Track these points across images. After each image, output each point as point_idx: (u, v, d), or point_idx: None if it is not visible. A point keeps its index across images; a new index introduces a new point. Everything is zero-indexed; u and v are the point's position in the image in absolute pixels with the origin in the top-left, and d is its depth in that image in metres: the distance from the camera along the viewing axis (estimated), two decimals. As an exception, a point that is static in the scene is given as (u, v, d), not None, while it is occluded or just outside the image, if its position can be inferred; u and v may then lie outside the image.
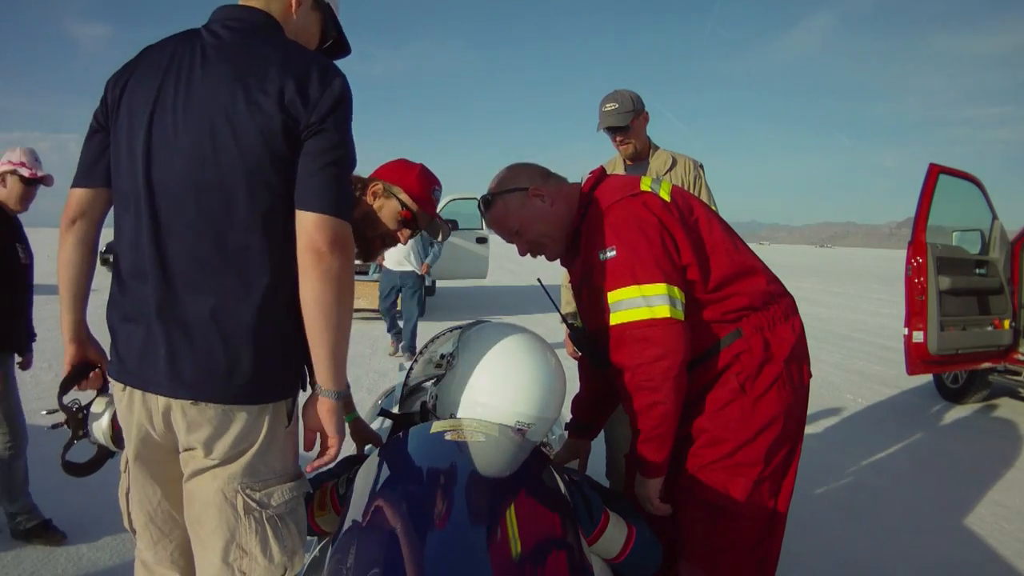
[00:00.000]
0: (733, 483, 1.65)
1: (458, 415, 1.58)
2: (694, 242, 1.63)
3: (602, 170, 1.83)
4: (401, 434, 1.51)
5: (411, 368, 2.21)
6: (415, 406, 2.03)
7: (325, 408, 1.32)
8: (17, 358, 2.78)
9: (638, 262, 1.56)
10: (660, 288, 1.53)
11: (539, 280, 2.21)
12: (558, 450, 2.09)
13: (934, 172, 4.96)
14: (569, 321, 1.86)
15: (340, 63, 1.43)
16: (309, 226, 1.22)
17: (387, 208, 1.77)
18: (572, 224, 1.76)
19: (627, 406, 1.59)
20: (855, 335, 9.99)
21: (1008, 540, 3.20)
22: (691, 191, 2.94)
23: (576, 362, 1.98)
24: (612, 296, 1.56)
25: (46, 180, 2.79)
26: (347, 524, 1.21)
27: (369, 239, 1.81)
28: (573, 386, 2.19)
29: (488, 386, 1.57)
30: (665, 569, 1.64)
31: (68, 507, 3.00)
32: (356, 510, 1.23)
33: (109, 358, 1.38)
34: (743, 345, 1.66)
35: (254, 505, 1.32)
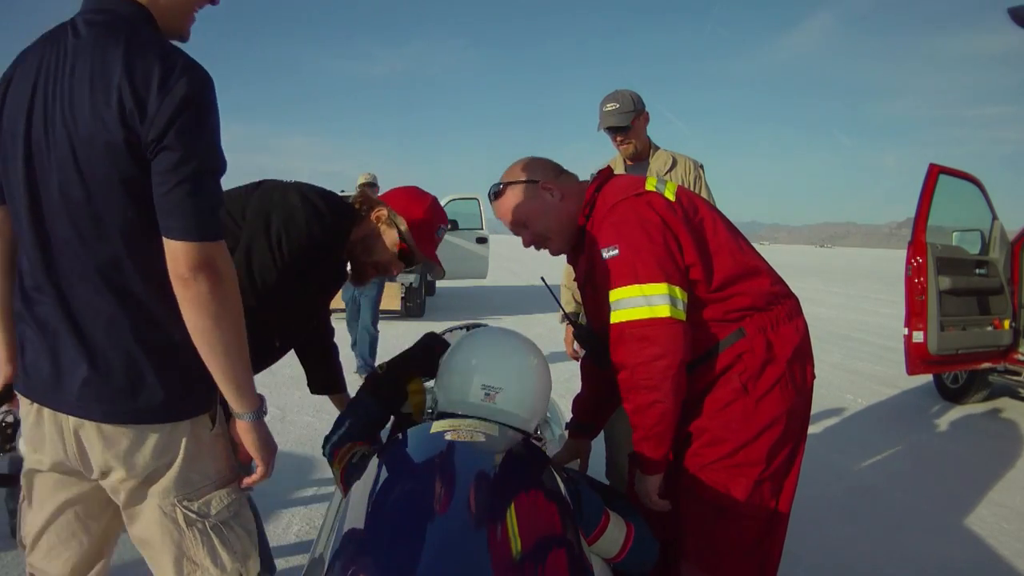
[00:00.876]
0: (735, 483, 1.66)
1: (439, 400, 1.63)
2: (698, 242, 1.64)
3: (609, 170, 1.84)
4: (401, 434, 1.51)
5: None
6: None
7: (243, 430, 1.30)
8: None
9: (639, 261, 1.56)
10: (661, 288, 1.54)
11: (543, 279, 2.22)
12: (559, 450, 2.10)
13: (934, 172, 4.96)
14: (572, 319, 1.86)
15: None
16: (171, 254, 1.14)
17: (387, 237, 1.76)
18: (578, 222, 1.77)
19: (626, 404, 1.60)
20: (855, 335, 9.99)
21: (1008, 540, 3.20)
22: (691, 191, 2.95)
23: (576, 362, 1.99)
24: (613, 295, 1.57)
25: None
26: (347, 524, 1.21)
27: (362, 263, 1.81)
28: (574, 386, 2.19)
29: (455, 359, 1.64)
30: (663, 567, 1.66)
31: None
32: (356, 510, 1.23)
33: (17, 371, 1.31)
34: (745, 345, 1.66)
35: (194, 516, 1.29)
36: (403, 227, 1.75)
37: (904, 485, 3.91)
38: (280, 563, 2.56)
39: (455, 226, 11.06)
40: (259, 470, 1.36)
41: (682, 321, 1.55)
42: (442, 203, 10.49)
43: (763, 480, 1.67)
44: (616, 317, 1.56)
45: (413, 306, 9.76)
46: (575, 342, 3.13)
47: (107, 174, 1.13)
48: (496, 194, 1.81)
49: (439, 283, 13.20)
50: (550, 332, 8.40)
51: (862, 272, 30.39)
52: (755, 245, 1.81)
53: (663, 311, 1.52)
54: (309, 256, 1.65)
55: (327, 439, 1.71)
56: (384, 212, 1.76)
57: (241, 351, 1.22)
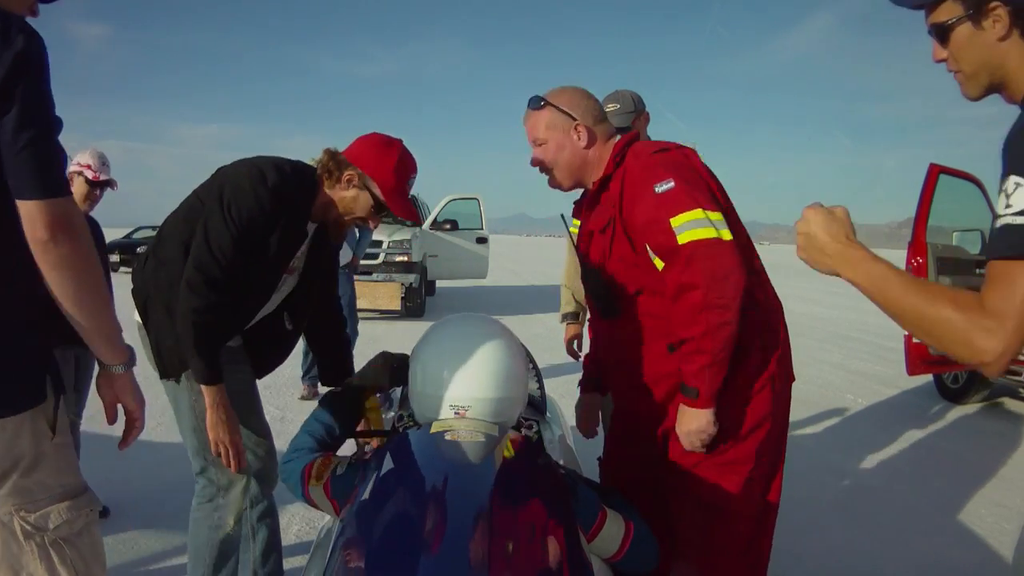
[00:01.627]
0: (726, 481, 1.67)
1: (415, 411, 1.58)
2: (726, 217, 1.65)
3: (636, 133, 1.88)
4: (400, 435, 1.51)
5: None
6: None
7: (118, 381, 1.32)
8: None
9: (697, 191, 1.61)
10: (720, 216, 1.59)
11: (561, 215, 2.29)
12: (575, 407, 2.21)
13: (934, 172, 4.96)
14: (589, 271, 1.82)
15: None
16: (26, 216, 1.11)
17: (361, 199, 1.86)
18: (590, 170, 1.81)
19: (695, 328, 1.56)
20: (855, 335, 9.99)
21: (1008, 540, 3.20)
22: None
23: (576, 362, 1.99)
24: (677, 220, 1.57)
25: (111, 184, 2.91)
26: (348, 524, 1.21)
27: (340, 221, 1.91)
28: (574, 387, 2.19)
29: (419, 377, 1.55)
30: (663, 568, 1.65)
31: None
32: (355, 511, 1.23)
33: None
34: (740, 341, 1.66)
35: (31, 529, 1.22)
36: (375, 189, 1.84)
37: (904, 485, 3.91)
38: (280, 563, 2.55)
39: (455, 226, 11.07)
40: (135, 423, 1.38)
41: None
42: (442, 203, 10.24)
43: (752, 478, 1.68)
44: (685, 238, 1.56)
45: (413, 306, 9.76)
46: (574, 341, 3.13)
47: None
48: (535, 107, 1.83)
49: (439, 283, 13.20)
50: (550, 332, 8.40)
51: (862, 272, 30.31)
52: (756, 245, 1.82)
53: (727, 235, 1.56)
54: (262, 223, 1.76)
55: (285, 462, 1.57)
56: (355, 176, 1.84)
57: (107, 304, 1.23)
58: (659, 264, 1.64)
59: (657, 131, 3.09)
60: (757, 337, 1.67)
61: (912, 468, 4.24)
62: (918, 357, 4.93)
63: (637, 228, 1.65)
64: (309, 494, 1.47)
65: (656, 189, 1.61)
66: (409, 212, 1.90)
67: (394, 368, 1.74)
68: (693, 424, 1.62)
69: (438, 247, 10.92)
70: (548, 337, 7.88)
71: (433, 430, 1.40)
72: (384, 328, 8.89)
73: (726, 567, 1.70)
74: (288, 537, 2.94)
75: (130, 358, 1.33)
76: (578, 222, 2.02)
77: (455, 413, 1.49)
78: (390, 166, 1.84)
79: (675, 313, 1.61)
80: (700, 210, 1.57)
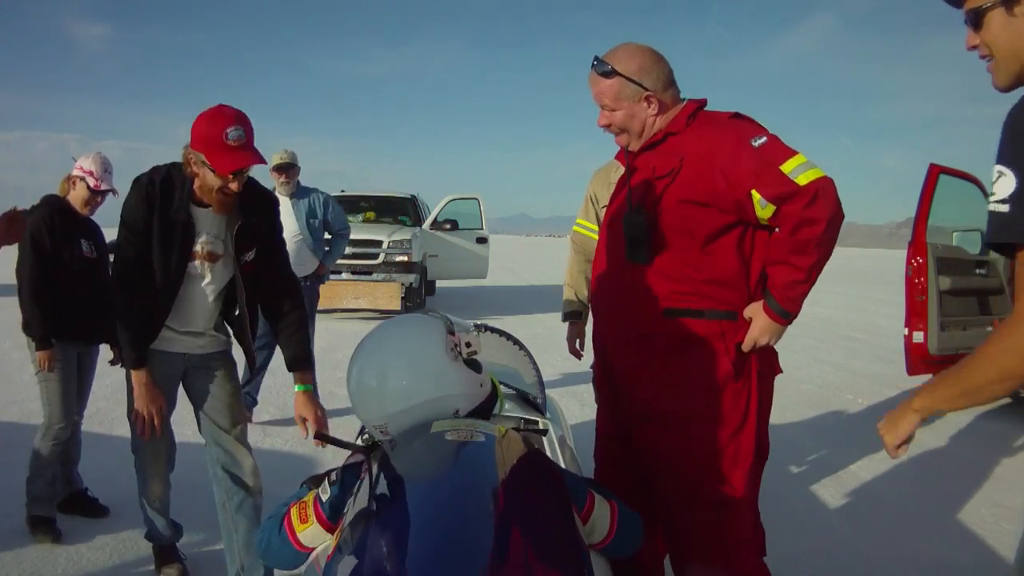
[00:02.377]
0: (733, 475, 1.72)
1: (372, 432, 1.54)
2: None
3: (705, 101, 1.90)
4: (400, 434, 1.51)
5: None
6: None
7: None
8: (108, 353, 3.06)
9: (789, 146, 1.69)
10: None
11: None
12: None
13: (934, 172, 4.96)
14: (635, 212, 1.82)
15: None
16: None
17: (204, 174, 2.05)
18: (665, 127, 1.84)
19: (806, 258, 1.65)
20: (855, 335, 9.99)
21: (1008, 540, 3.20)
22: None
23: (576, 361, 1.98)
24: (787, 166, 1.65)
25: (112, 192, 2.96)
26: (348, 524, 1.21)
27: (215, 197, 2.08)
28: (574, 386, 2.18)
29: (355, 395, 1.54)
30: (649, 549, 1.76)
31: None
32: (357, 510, 1.23)
33: None
34: (737, 326, 1.75)
35: None
36: (203, 157, 2.00)
37: (904, 485, 3.91)
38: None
39: (455, 226, 11.07)
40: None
41: None
42: (442, 203, 10.18)
43: (754, 468, 1.75)
44: (804, 179, 1.63)
45: (413, 306, 9.76)
46: (576, 340, 3.13)
47: None
48: (604, 73, 1.83)
49: (439, 283, 13.20)
50: (550, 332, 8.39)
51: (862, 272, 30.41)
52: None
53: (830, 176, 1.65)
54: (137, 215, 2.08)
55: (259, 543, 1.47)
56: (191, 155, 2.05)
57: None
58: (768, 211, 1.68)
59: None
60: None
61: (912, 468, 4.23)
62: (918, 357, 4.94)
63: (741, 179, 1.68)
64: (300, 544, 1.39)
65: (753, 143, 1.69)
66: (239, 161, 2.01)
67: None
68: (768, 336, 1.72)
69: (438, 247, 10.92)
70: (548, 337, 7.87)
71: (433, 430, 1.40)
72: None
73: (742, 558, 1.76)
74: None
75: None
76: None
77: (381, 432, 1.49)
78: (203, 132, 2.01)
79: (781, 242, 1.68)
80: (801, 155, 1.67)
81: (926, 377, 6.21)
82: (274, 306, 2.31)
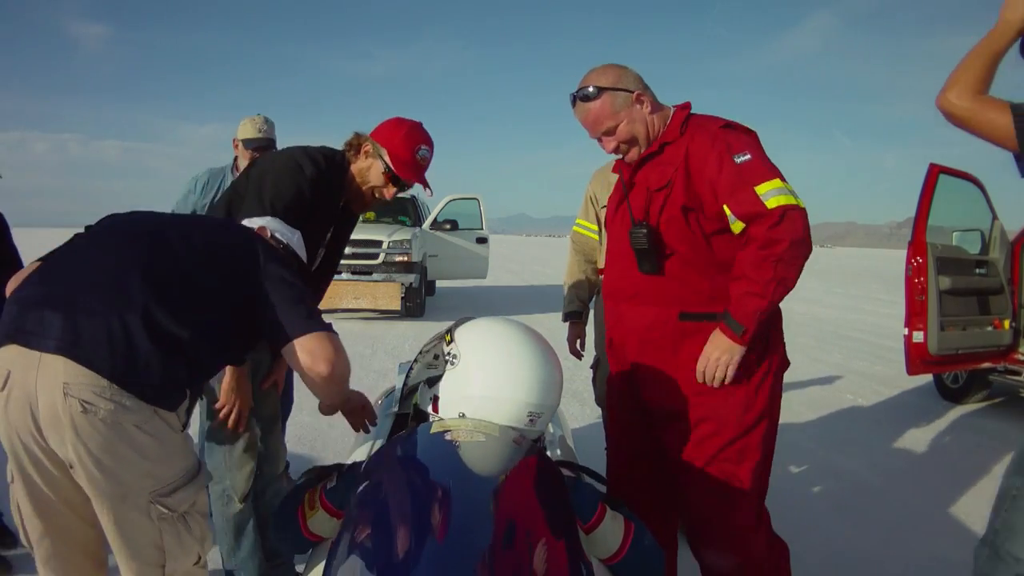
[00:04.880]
0: (740, 469, 1.81)
1: (468, 413, 1.56)
2: None
3: (689, 104, 1.94)
4: (401, 435, 1.51)
5: (411, 368, 2.21)
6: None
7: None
8: None
9: (772, 166, 1.75)
10: (791, 186, 1.73)
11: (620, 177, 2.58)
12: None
13: (934, 172, 4.95)
14: (639, 225, 1.86)
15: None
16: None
17: (374, 167, 2.04)
18: (662, 135, 1.87)
19: (764, 272, 1.68)
20: (855, 335, 9.98)
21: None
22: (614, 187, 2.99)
23: (576, 360, 1.99)
24: (761, 188, 1.70)
25: None
26: (347, 524, 1.21)
27: (363, 192, 2.09)
28: (575, 386, 2.17)
29: (495, 381, 1.57)
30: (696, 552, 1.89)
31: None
32: (356, 510, 1.23)
33: None
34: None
35: (166, 511, 1.41)
36: (385, 156, 2.01)
37: (904, 485, 3.91)
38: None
39: (455, 226, 11.06)
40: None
41: None
42: (442, 203, 10.18)
43: (761, 464, 1.85)
44: (773, 203, 1.68)
45: (413, 306, 9.76)
46: (577, 340, 3.13)
47: None
48: (586, 97, 1.84)
49: (439, 283, 13.20)
50: (550, 332, 8.33)
51: (862, 272, 30.40)
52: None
53: (802, 203, 1.71)
54: (299, 208, 1.91)
55: (276, 525, 1.55)
56: (370, 146, 2.04)
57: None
58: (737, 227, 1.73)
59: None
60: (765, 330, 1.78)
61: (912, 468, 4.24)
62: (918, 357, 4.93)
63: (719, 193, 1.73)
64: (311, 531, 1.45)
65: (736, 160, 1.73)
66: (415, 175, 2.06)
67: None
68: (725, 355, 1.73)
69: (438, 247, 10.91)
70: (548, 337, 7.85)
71: (433, 430, 1.40)
72: (384, 328, 8.89)
73: (749, 542, 1.87)
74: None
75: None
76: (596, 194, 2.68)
77: (530, 420, 1.55)
78: (399, 135, 2.04)
79: (742, 258, 1.72)
80: (779, 179, 1.71)
81: (926, 377, 6.22)
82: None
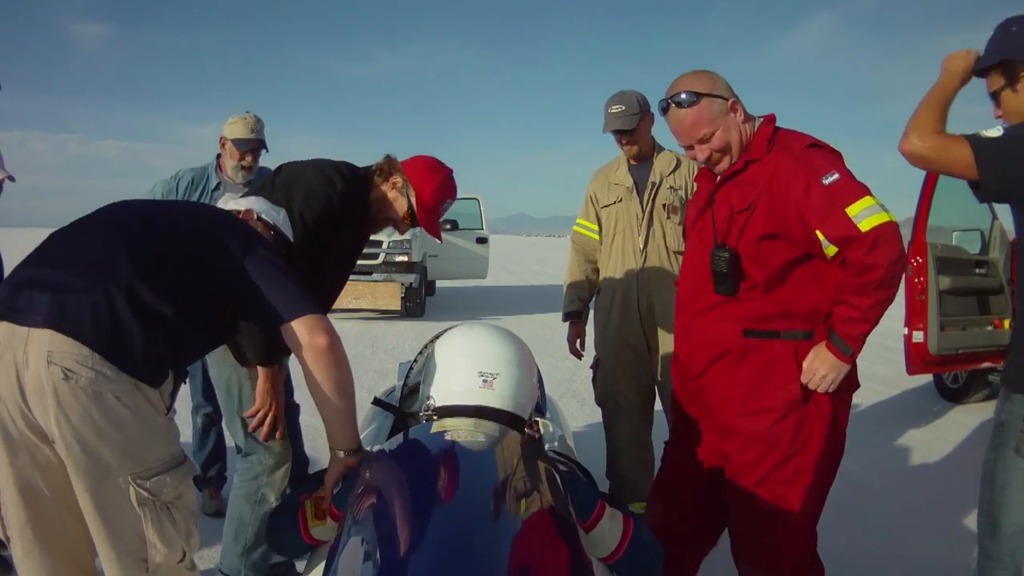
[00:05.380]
0: (791, 490, 1.82)
1: (433, 393, 1.61)
2: None
3: (774, 116, 1.91)
4: (401, 435, 1.51)
5: (411, 367, 2.21)
6: (414, 405, 2.04)
7: (336, 467, 1.50)
8: None
9: (861, 184, 1.73)
10: (880, 201, 1.71)
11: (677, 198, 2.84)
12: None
13: (934, 172, 4.95)
14: (721, 248, 1.86)
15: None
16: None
17: (398, 203, 2.04)
18: (750, 148, 1.84)
19: (865, 299, 1.70)
20: (855, 335, 9.96)
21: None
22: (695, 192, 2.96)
23: (577, 361, 1.98)
24: (852, 209, 1.68)
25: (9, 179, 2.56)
26: (347, 524, 1.21)
27: (377, 218, 2.09)
28: (575, 386, 2.17)
29: (448, 353, 1.66)
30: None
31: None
32: (357, 511, 1.23)
33: None
34: (810, 345, 1.81)
35: (147, 495, 1.39)
36: (412, 199, 2.02)
37: (904, 485, 3.92)
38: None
39: (455, 226, 11.06)
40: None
41: None
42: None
43: (814, 486, 1.86)
44: (866, 225, 1.66)
45: (413, 306, 9.76)
46: (577, 340, 3.14)
47: None
48: (680, 103, 1.81)
49: (439, 283, 13.20)
50: (550, 332, 8.39)
51: (862, 272, 30.28)
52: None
53: (893, 217, 1.70)
54: (329, 223, 1.92)
55: (270, 526, 1.59)
56: (400, 180, 2.03)
57: (354, 395, 1.53)
58: (831, 251, 1.72)
59: (657, 132, 3.09)
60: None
61: (912, 468, 4.24)
62: (918, 357, 4.93)
63: (808, 217, 1.71)
64: (311, 538, 1.46)
65: (824, 181, 1.71)
66: (432, 229, 2.09)
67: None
68: (832, 372, 1.75)
69: (438, 247, 10.91)
70: (548, 337, 7.86)
71: (434, 430, 1.40)
72: (384, 328, 8.89)
73: (791, 562, 1.89)
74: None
75: (357, 448, 1.51)
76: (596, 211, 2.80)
77: (483, 381, 1.55)
78: (432, 184, 2.04)
79: (843, 282, 1.73)
80: (869, 196, 1.69)
81: (926, 377, 6.21)
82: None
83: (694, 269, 1.94)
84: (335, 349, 1.47)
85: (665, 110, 1.85)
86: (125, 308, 1.36)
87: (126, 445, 1.36)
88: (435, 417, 1.56)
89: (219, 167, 3.06)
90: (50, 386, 1.30)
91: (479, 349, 1.63)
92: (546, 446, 1.93)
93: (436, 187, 2.04)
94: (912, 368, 5.01)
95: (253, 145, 2.96)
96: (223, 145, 3.01)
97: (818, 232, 1.70)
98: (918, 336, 4.90)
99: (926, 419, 5.44)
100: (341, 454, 1.50)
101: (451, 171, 2.12)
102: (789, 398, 1.79)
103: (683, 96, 1.79)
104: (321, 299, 1.92)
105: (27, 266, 1.46)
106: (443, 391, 1.59)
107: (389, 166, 2.06)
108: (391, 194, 2.03)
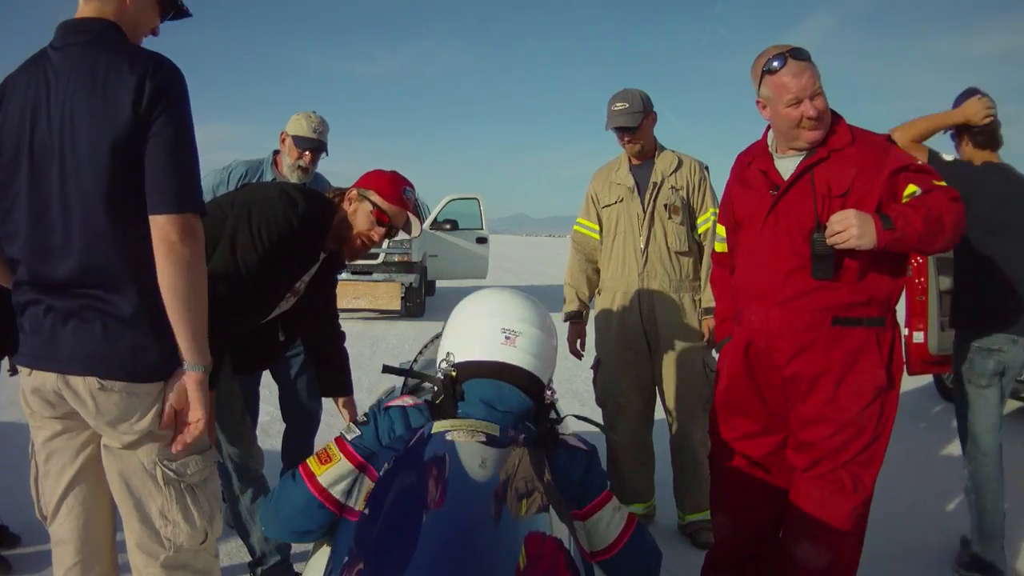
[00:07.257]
0: (867, 472, 1.93)
1: (453, 350, 1.59)
2: None
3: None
4: (400, 435, 1.51)
5: (410, 368, 2.21)
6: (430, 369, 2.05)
7: (191, 382, 1.43)
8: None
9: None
10: None
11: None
12: (569, 333, 3.02)
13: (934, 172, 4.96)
14: (818, 236, 1.85)
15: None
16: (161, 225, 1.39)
17: (361, 210, 2.04)
18: (833, 135, 1.93)
19: (936, 208, 1.77)
20: (855, 335, 9.97)
21: (1008, 540, 3.19)
22: (696, 193, 2.96)
23: (577, 360, 1.98)
24: (940, 182, 1.85)
25: None
26: (347, 525, 1.21)
27: (349, 239, 2.08)
28: (575, 386, 2.17)
29: (471, 312, 1.66)
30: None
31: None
32: (369, 507, 1.23)
33: None
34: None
35: (172, 475, 1.46)
36: (372, 196, 2.04)
37: (904, 485, 3.92)
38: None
39: (455, 226, 11.07)
40: (193, 429, 1.47)
41: None
42: (442, 203, 10.17)
43: (877, 469, 1.96)
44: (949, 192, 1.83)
45: (413, 306, 9.77)
46: (577, 340, 3.14)
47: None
48: (801, 56, 1.86)
49: (439, 283, 13.21)
50: (550, 332, 8.39)
51: (862, 272, 30.33)
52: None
53: None
54: (287, 241, 1.91)
55: (269, 498, 1.55)
56: (354, 192, 2.07)
57: (206, 307, 1.42)
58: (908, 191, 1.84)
59: (659, 132, 3.09)
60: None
61: (912, 468, 4.24)
62: (918, 357, 4.93)
63: (900, 187, 1.84)
64: (319, 488, 1.40)
65: (914, 163, 1.91)
66: (404, 206, 2.09)
67: None
68: (863, 236, 1.72)
69: (438, 247, 10.92)
70: (548, 337, 7.87)
71: (434, 430, 1.40)
72: (384, 328, 8.89)
73: (849, 542, 1.96)
74: (288, 537, 2.93)
75: (210, 363, 1.46)
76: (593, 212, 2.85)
77: (505, 338, 1.53)
78: (384, 178, 2.09)
79: (937, 198, 1.79)
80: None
81: (926, 377, 6.22)
82: (321, 337, 2.41)
83: (776, 255, 1.91)
84: (198, 258, 1.39)
85: (784, 63, 1.85)
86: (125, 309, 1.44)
87: (154, 427, 1.43)
88: (454, 373, 1.54)
89: (275, 163, 2.99)
90: (86, 391, 1.40)
91: (503, 308, 1.61)
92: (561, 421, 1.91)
93: (389, 179, 2.09)
94: (912, 368, 5.01)
95: (313, 145, 2.88)
96: (283, 141, 2.93)
97: (912, 185, 1.81)
98: (918, 336, 4.90)
99: (926, 419, 5.45)
100: (187, 368, 1.42)
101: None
102: (878, 383, 1.88)
103: (807, 53, 1.86)
104: (257, 307, 2.02)
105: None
106: (463, 347, 1.57)
107: (339, 190, 2.12)
108: (351, 207, 2.05)
